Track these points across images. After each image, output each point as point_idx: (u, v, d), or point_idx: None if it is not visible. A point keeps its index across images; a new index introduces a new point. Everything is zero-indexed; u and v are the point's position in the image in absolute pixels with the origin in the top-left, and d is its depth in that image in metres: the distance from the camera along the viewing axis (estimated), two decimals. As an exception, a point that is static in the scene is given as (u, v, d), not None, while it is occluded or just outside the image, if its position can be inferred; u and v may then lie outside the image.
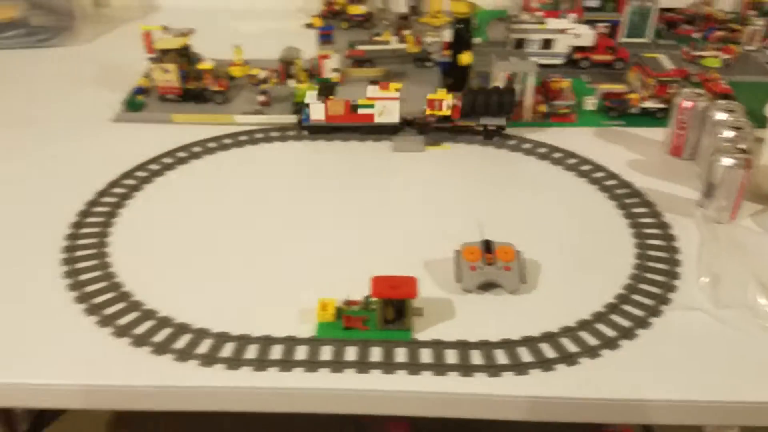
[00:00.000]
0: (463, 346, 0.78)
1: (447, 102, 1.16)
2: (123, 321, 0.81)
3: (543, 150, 1.15)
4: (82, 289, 0.85)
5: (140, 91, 1.33)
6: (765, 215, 1.00)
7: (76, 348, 0.78)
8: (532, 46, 1.42)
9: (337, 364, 0.76)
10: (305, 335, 0.79)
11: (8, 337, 0.79)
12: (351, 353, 0.77)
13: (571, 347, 0.78)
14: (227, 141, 1.18)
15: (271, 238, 0.96)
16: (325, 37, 1.41)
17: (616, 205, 1.03)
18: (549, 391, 0.73)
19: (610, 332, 0.80)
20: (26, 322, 0.81)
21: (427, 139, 1.18)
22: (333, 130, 1.19)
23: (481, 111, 1.17)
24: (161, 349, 0.77)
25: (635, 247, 0.94)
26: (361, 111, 1.17)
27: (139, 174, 1.09)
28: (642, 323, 0.81)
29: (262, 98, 1.27)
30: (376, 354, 0.77)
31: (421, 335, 0.80)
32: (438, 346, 0.78)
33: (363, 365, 0.76)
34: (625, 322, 0.81)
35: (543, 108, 1.24)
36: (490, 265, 0.85)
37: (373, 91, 1.17)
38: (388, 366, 0.76)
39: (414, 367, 0.76)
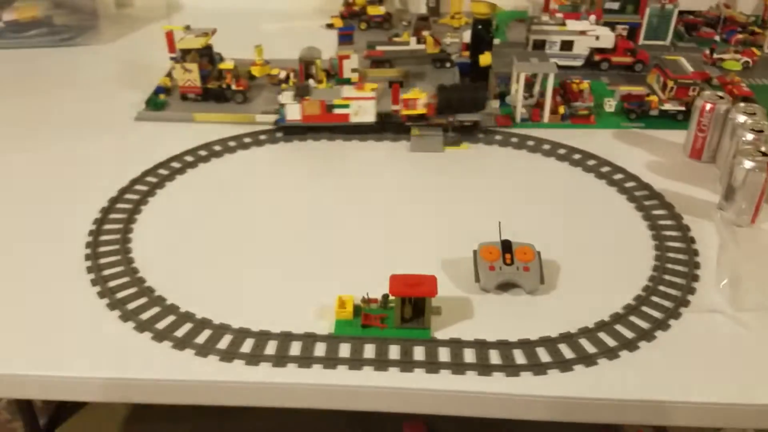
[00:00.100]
0: (481, 346, 0.78)
1: (421, 100, 1.17)
2: (145, 316, 0.82)
3: (562, 151, 1.16)
4: (106, 284, 0.87)
5: (162, 90, 1.34)
6: (786, 219, 1.00)
7: (99, 341, 0.79)
8: (551, 48, 1.42)
9: (356, 362, 0.76)
10: (323, 332, 0.80)
11: (33, 330, 0.81)
12: (369, 351, 0.78)
13: (590, 348, 0.78)
14: (247, 140, 1.20)
15: (291, 236, 0.97)
16: (345, 38, 1.42)
17: (636, 207, 1.02)
18: (567, 391, 0.73)
19: (628, 333, 0.80)
20: (51, 316, 0.83)
21: (445, 139, 1.18)
22: (308, 131, 1.21)
23: (455, 108, 1.18)
24: (182, 343, 0.78)
25: (654, 249, 0.94)
26: (336, 111, 1.18)
27: (161, 172, 1.10)
28: (661, 325, 0.81)
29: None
30: (394, 352, 0.78)
31: (439, 334, 0.80)
32: (456, 345, 0.78)
33: (381, 363, 0.76)
34: (643, 324, 0.81)
35: (562, 109, 1.24)
36: (508, 266, 0.86)
37: (348, 91, 1.19)
38: (406, 364, 0.76)
39: (432, 365, 0.76)
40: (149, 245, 0.95)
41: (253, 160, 1.16)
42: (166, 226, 0.99)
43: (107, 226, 0.97)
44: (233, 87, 1.31)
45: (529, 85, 1.25)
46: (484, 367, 0.75)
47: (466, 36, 1.37)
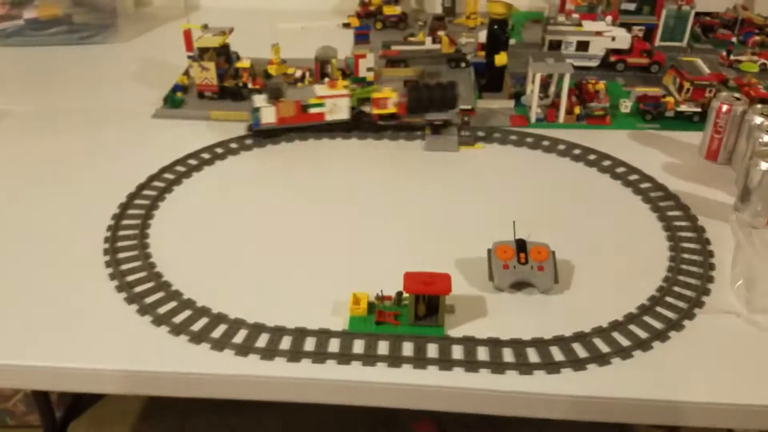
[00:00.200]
0: (494, 344, 0.78)
1: (392, 99, 1.18)
2: (162, 310, 0.83)
3: (577, 152, 1.16)
4: (123, 278, 0.88)
5: (179, 88, 1.35)
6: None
7: (117, 335, 0.80)
8: (567, 48, 1.42)
9: (370, 358, 0.77)
10: (337, 329, 0.81)
11: (51, 322, 0.82)
12: (383, 347, 0.78)
13: (603, 347, 0.78)
14: (264, 138, 1.20)
15: (306, 233, 0.97)
16: (361, 37, 1.42)
17: (651, 208, 1.02)
18: (580, 390, 0.74)
19: (642, 333, 0.80)
20: (69, 309, 0.84)
21: (460, 139, 1.19)
22: (284, 132, 1.20)
23: (425, 107, 1.19)
24: (198, 337, 0.79)
25: (669, 249, 0.94)
26: (311, 110, 1.18)
27: (178, 169, 1.11)
28: (675, 325, 0.81)
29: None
30: (407, 349, 0.78)
31: (453, 332, 0.81)
32: (470, 342, 0.79)
33: (395, 359, 0.77)
34: (657, 324, 0.81)
35: (578, 110, 1.24)
36: (523, 265, 0.86)
37: (322, 90, 1.19)
38: (420, 361, 0.77)
39: (445, 362, 0.76)
40: (167, 241, 0.96)
41: (269, 158, 1.17)
42: (183, 222, 1.00)
43: (125, 222, 0.99)
44: (250, 85, 1.32)
45: (544, 85, 1.26)
46: (497, 365, 0.76)
47: (482, 36, 1.37)
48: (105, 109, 1.32)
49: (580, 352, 0.77)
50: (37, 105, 1.33)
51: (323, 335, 0.80)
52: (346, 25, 1.67)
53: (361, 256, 0.93)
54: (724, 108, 1.09)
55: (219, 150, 1.17)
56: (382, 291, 0.83)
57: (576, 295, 0.86)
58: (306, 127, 1.20)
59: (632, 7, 1.52)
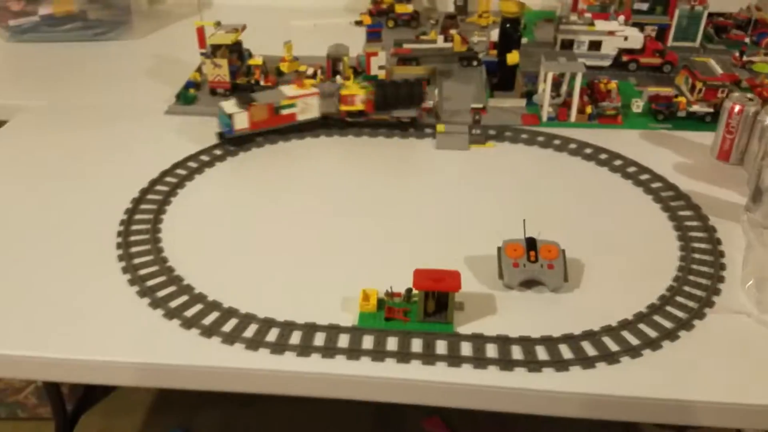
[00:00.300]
0: (503, 341, 0.79)
1: (360, 97, 1.18)
2: (174, 304, 0.84)
3: (589, 151, 1.15)
4: (136, 272, 0.89)
5: (192, 85, 1.36)
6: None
7: (129, 327, 0.81)
8: (579, 48, 1.42)
9: (379, 353, 0.77)
10: (347, 324, 0.81)
11: (64, 314, 0.83)
12: (392, 343, 0.79)
13: (613, 346, 0.78)
14: (274, 135, 1.21)
15: (317, 230, 0.98)
16: (374, 35, 1.43)
17: (662, 207, 1.02)
18: (589, 388, 0.74)
19: (651, 333, 0.80)
20: (82, 301, 0.85)
21: (471, 137, 1.19)
22: (257, 137, 1.18)
23: (392, 104, 1.19)
24: (210, 331, 0.80)
25: (679, 249, 0.93)
26: (284, 112, 1.17)
27: (191, 164, 1.12)
28: (684, 325, 0.81)
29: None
30: (416, 345, 0.79)
31: (462, 329, 0.81)
32: (479, 339, 0.79)
33: (404, 355, 0.77)
34: (667, 323, 0.81)
35: (590, 109, 1.24)
36: (533, 263, 0.86)
37: (291, 90, 1.19)
38: (429, 357, 0.77)
39: (454, 359, 0.77)
40: (178, 235, 0.97)
41: (280, 155, 1.17)
42: (194, 218, 1.01)
43: (138, 216, 0.99)
44: (262, 83, 1.33)
45: (556, 84, 1.26)
46: (506, 362, 0.76)
47: (494, 35, 1.37)
48: (118, 105, 1.33)
49: (589, 350, 0.77)
50: (52, 100, 1.35)
51: (333, 330, 0.80)
52: (359, 23, 1.67)
53: (371, 253, 0.93)
54: (737, 108, 1.09)
55: (231, 146, 1.17)
56: (391, 287, 0.84)
57: (586, 294, 0.86)
58: (276, 130, 1.19)
59: (645, 6, 1.51)
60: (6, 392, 1.70)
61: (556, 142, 1.18)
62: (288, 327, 0.80)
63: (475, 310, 0.83)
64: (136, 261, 0.91)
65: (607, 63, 1.44)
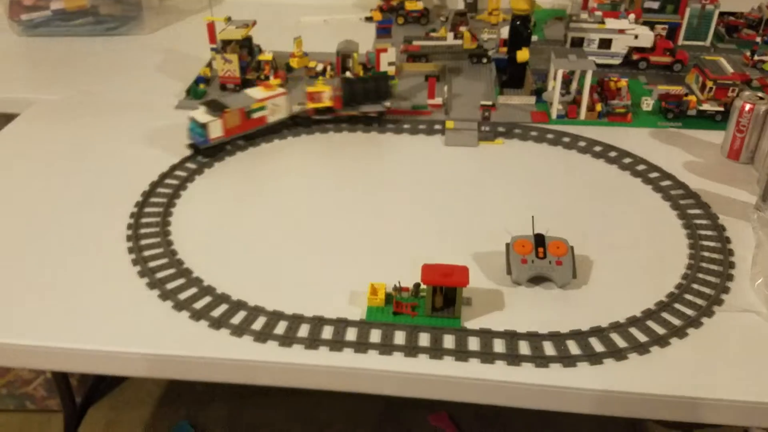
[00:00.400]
0: (511, 337, 0.79)
1: (327, 93, 1.18)
2: (183, 296, 0.84)
3: (598, 148, 1.15)
4: (146, 264, 0.89)
5: (202, 80, 1.37)
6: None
7: (138, 318, 0.82)
8: (590, 46, 1.42)
9: (386, 347, 0.78)
10: (355, 318, 0.81)
11: (74, 305, 0.84)
12: (399, 337, 0.79)
13: (620, 342, 0.78)
14: (284, 130, 1.21)
15: (326, 224, 0.98)
16: (383, 31, 1.43)
17: (671, 205, 1.02)
18: (596, 384, 0.74)
19: (660, 329, 0.80)
20: (93, 293, 0.85)
21: (480, 134, 1.19)
22: (228, 144, 1.15)
23: (360, 99, 1.19)
24: (218, 323, 0.80)
25: (689, 247, 0.93)
26: (255, 115, 1.15)
27: (199, 159, 1.13)
28: (693, 322, 0.81)
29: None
30: (424, 339, 0.79)
31: (470, 324, 0.81)
32: (486, 335, 0.79)
33: (411, 349, 0.77)
34: (675, 321, 0.81)
35: (599, 107, 1.24)
36: (541, 259, 0.86)
37: (258, 92, 1.17)
38: (436, 351, 0.77)
39: (462, 353, 0.77)
40: (188, 228, 0.97)
41: (289, 149, 1.18)
42: (204, 211, 1.01)
43: (148, 209, 1.00)
44: (271, 78, 1.33)
45: (566, 82, 1.26)
46: (513, 357, 0.76)
47: (504, 32, 1.37)
48: (129, 99, 1.34)
49: (597, 346, 0.77)
50: (63, 94, 1.36)
51: (341, 324, 0.80)
52: (369, 19, 1.67)
53: (380, 248, 0.93)
54: (747, 107, 1.09)
55: (240, 141, 1.18)
56: (399, 282, 0.84)
57: (594, 291, 0.86)
58: (251, 134, 1.17)
59: (656, 5, 1.51)
60: (15, 384, 1.71)
61: (566, 139, 1.18)
62: (296, 320, 0.81)
63: (483, 305, 0.84)
64: (146, 253, 0.91)
65: (617, 61, 1.44)
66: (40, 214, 1.00)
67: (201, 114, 1.12)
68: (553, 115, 1.25)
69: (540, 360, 0.76)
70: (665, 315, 0.82)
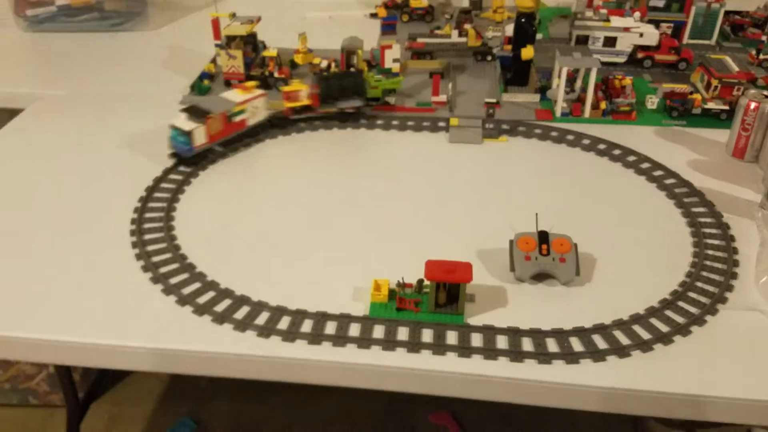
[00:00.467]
0: (514, 333, 0.79)
1: (304, 91, 1.18)
2: (186, 290, 0.85)
3: (602, 146, 1.15)
4: (149, 258, 0.89)
5: (207, 76, 1.37)
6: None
7: (142, 313, 0.82)
8: (594, 44, 1.42)
9: (389, 343, 0.78)
10: (358, 314, 0.81)
11: (79, 300, 0.84)
12: (403, 333, 0.79)
13: (624, 339, 0.78)
14: (288, 126, 1.21)
15: (331, 219, 0.98)
16: (388, 27, 1.43)
17: (675, 203, 1.02)
18: (599, 380, 0.74)
19: (663, 327, 0.80)
20: (97, 287, 0.86)
21: (484, 132, 1.19)
22: (210, 151, 1.13)
23: (336, 96, 1.20)
24: (222, 318, 0.81)
25: (693, 245, 0.93)
26: (236, 119, 1.13)
27: (204, 154, 1.13)
28: (696, 320, 0.81)
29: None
30: (427, 335, 0.79)
31: (473, 320, 0.81)
32: (489, 331, 0.79)
33: (414, 345, 0.78)
34: (679, 318, 0.81)
35: (604, 105, 1.23)
36: (544, 256, 0.86)
37: (236, 95, 1.14)
38: (439, 347, 0.77)
39: (464, 350, 0.77)
40: (191, 224, 0.97)
41: (293, 146, 1.18)
42: (207, 207, 1.02)
43: (151, 204, 1.00)
44: (276, 74, 1.33)
45: (570, 79, 1.25)
46: (516, 354, 0.76)
47: (509, 29, 1.37)
48: (133, 95, 1.34)
49: (600, 343, 0.77)
50: (68, 89, 1.36)
51: (344, 319, 0.80)
52: (374, 16, 1.67)
53: (384, 244, 0.94)
54: (752, 105, 1.08)
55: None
56: (403, 278, 0.84)
57: (597, 288, 0.86)
58: (232, 139, 1.15)
59: (661, 3, 1.50)
60: (18, 379, 1.71)
61: (570, 137, 1.18)
62: (299, 315, 0.81)
63: (486, 302, 0.84)
64: (150, 248, 0.91)
65: (622, 59, 1.44)
66: (44, 208, 1.00)
67: (183, 121, 1.08)
68: (558, 113, 1.24)
69: (543, 357, 0.76)
70: (669, 313, 0.82)
